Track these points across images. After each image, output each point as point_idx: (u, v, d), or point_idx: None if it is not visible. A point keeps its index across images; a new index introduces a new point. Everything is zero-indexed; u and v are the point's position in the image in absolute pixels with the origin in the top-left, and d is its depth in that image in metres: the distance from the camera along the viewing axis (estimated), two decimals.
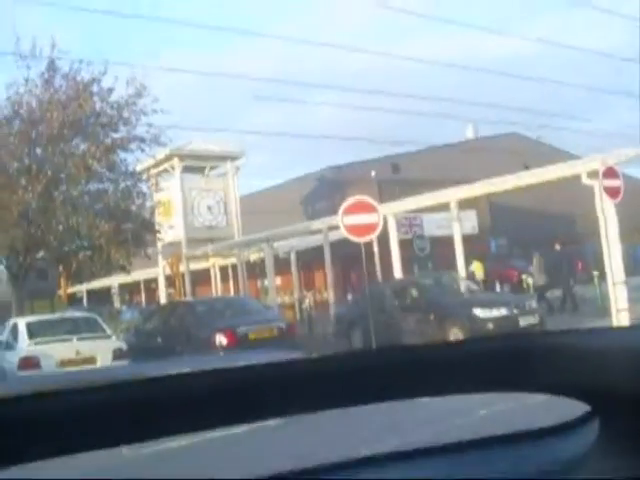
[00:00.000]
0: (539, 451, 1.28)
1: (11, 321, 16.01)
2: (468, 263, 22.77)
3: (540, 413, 1.47)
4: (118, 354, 13.92)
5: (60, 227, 19.98)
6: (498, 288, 30.63)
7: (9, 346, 14.46)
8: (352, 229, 15.22)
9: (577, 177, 18.94)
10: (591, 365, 1.20)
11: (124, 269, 23.48)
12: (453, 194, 22.45)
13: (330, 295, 25.62)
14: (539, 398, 1.35)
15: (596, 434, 1.22)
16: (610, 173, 17.93)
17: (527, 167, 27.83)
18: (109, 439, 0.97)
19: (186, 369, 1.18)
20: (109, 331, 15.48)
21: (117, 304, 40.59)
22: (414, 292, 17.95)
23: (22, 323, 14.89)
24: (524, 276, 22.80)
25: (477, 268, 27.78)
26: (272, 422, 1.14)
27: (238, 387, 1.05)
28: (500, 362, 1.22)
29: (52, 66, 20.98)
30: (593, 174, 18.15)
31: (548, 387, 1.25)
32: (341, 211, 15.55)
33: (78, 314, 18.57)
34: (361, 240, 15.31)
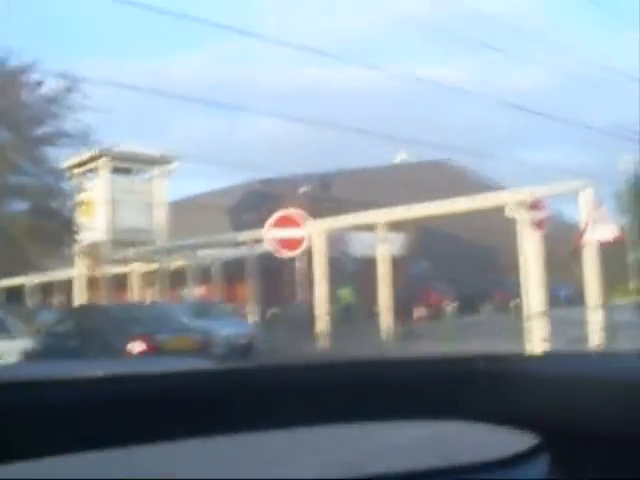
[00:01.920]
0: None
1: None
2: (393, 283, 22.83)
3: (473, 445, 1.32)
4: (26, 356, 13.38)
5: None
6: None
7: None
8: (278, 243, 15.06)
9: (502, 208, 19.27)
10: (537, 393, 1.09)
11: (37, 269, 22.86)
12: (381, 216, 22.54)
13: (252, 308, 25.38)
14: (464, 428, 1.21)
15: (544, 468, 1.11)
16: (537, 205, 18.27)
17: (454, 195, 28.18)
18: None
19: (95, 372, 1.06)
20: (17, 331, 14.88)
21: (30, 304, 39.30)
22: None
23: None
24: (444, 302, 22.95)
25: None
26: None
27: (149, 396, 0.95)
28: (438, 386, 1.10)
29: None
30: (520, 205, 18.46)
31: (486, 416, 1.13)
32: (267, 224, 15.39)
33: None
34: (287, 255, 15.18)
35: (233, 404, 0.97)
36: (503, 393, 1.10)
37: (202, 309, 19.91)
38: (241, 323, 20.99)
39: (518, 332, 17.94)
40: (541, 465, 1.12)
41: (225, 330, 18.21)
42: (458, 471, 1.18)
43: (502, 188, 30.36)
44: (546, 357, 1.32)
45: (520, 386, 1.10)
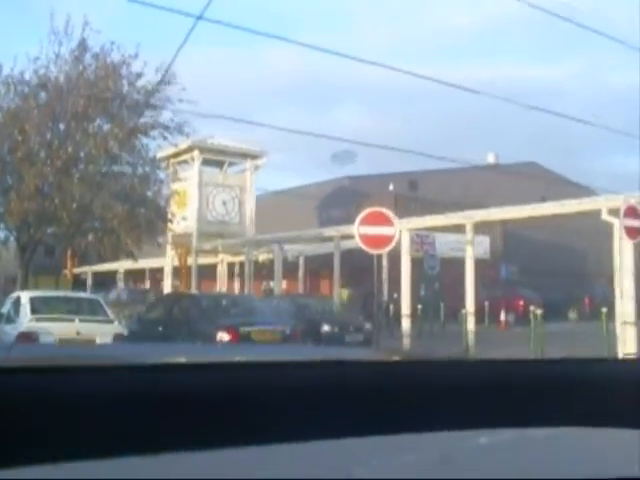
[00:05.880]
0: None
1: (14, 294, 15.89)
2: (478, 286, 22.55)
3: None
4: (119, 339, 13.76)
5: (74, 205, 19.88)
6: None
7: (9, 319, 14.32)
8: (367, 240, 14.99)
9: (595, 213, 18.82)
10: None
11: (132, 255, 23.41)
12: (470, 217, 22.29)
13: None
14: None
15: None
16: (631, 212, 17.76)
17: (544, 198, 27.67)
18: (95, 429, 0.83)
19: (185, 357, 1.02)
20: (112, 316, 15.33)
21: (121, 289, 40.37)
22: None
23: (25, 297, 14.76)
24: (532, 307, 22.36)
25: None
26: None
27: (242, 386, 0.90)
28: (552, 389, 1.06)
29: (83, 44, 20.99)
30: (613, 212, 18.00)
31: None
32: (358, 220, 15.34)
33: (82, 295, 18.46)
34: (375, 252, 15.13)
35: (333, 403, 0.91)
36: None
37: None
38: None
39: (608, 340, 17.49)
40: None
41: None
42: None
43: (595, 193, 29.64)
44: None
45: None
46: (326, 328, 19.13)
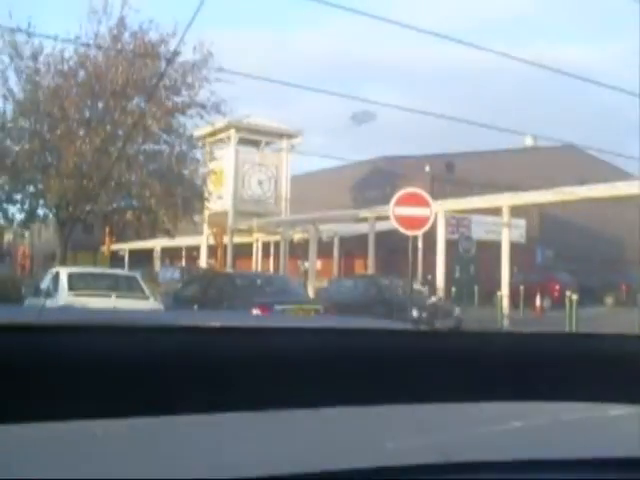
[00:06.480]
0: None
1: (54, 270, 16.12)
2: (513, 270, 22.41)
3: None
4: None
5: (112, 183, 20.09)
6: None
7: (48, 294, 14.52)
8: (403, 220, 14.93)
9: (635, 198, 18.59)
10: None
11: (169, 233, 23.63)
12: (507, 200, 22.15)
13: None
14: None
15: None
16: None
17: (583, 182, 27.30)
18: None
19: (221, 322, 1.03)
20: (148, 292, 15.48)
21: (157, 267, 40.83)
22: None
23: (64, 273, 14.97)
24: (568, 292, 22.03)
25: None
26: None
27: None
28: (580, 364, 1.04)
29: (122, 23, 21.08)
30: None
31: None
32: (393, 201, 15.27)
33: (120, 272, 18.67)
34: (410, 233, 15.06)
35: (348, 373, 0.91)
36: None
37: None
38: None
39: None
40: None
41: None
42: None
43: (633, 178, 29.21)
44: None
45: None
46: (415, 313, 17.86)
